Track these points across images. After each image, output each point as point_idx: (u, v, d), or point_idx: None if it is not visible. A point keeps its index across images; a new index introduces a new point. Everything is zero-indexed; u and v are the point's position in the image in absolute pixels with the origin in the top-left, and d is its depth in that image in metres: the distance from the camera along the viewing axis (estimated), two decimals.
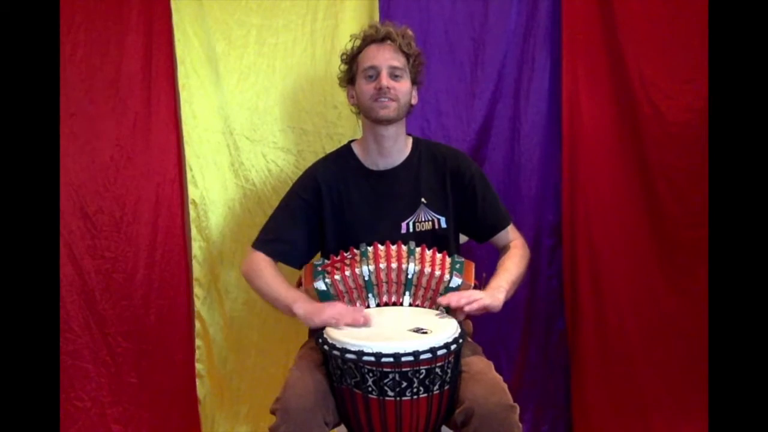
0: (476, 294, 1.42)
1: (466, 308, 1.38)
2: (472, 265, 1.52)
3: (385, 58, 1.56)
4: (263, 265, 1.54)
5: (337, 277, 1.48)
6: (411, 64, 1.60)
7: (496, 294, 1.43)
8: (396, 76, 1.56)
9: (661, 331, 1.92)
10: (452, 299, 1.40)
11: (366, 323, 1.37)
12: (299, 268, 1.61)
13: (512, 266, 1.54)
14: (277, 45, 1.91)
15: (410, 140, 1.66)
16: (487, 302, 1.40)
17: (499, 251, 1.64)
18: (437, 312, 1.45)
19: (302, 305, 1.44)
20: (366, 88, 1.56)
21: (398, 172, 1.61)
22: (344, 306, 1.42)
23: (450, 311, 1.45)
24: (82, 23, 1.80)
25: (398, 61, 1.57)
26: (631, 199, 1.91)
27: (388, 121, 1.56)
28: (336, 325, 1.37)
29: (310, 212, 1.59)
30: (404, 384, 1.27)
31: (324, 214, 1.59)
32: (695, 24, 1.74)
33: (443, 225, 1.59)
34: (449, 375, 1.32)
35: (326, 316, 1.38)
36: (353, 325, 1.36)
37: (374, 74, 1.56)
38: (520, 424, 1.31)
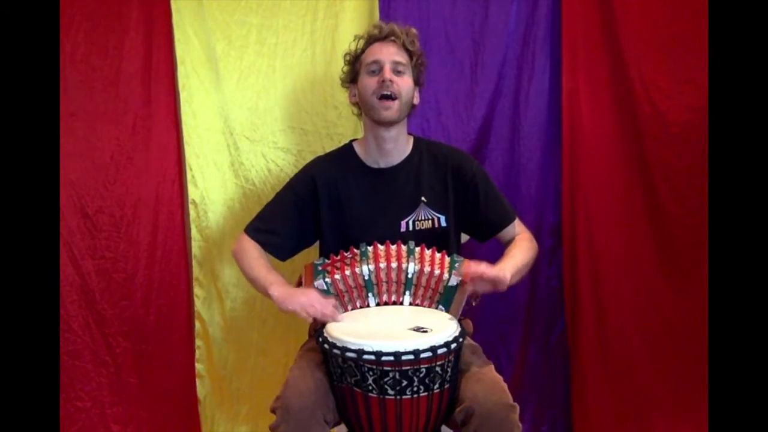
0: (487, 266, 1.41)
1: (487, 273, 1.37)
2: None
3: (389, 52, 1.56)
4: (250, 247, 1.58)
5: (337, 276, 1.48)
6: (414, 63, 1.60)
7: (503, 271, 1.41)
8: (399, 72, 1.56)
9: (661, 331, 1.92)
10: (470, 269, 1.40)
11: (334, 319, 1.39)
12: (284, 260, 1.63)
13: (518, 253, 1.54)
14: (277, 45, 1.91)
15: (411, 139, 1.66)
16: (499, 274, 1.38)
17: (505, 247, 1.63)
18: (437, 311, 1.45)
19: (277, 288, 1.45)
20: (368, 82, 1.56)
21: (399, 170, 1.61)
22: (317, 296, 1.42)
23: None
24: (82, 23, 1.79)
25: (402, 57, 1.57)
26: (631, 199, 1.91)
27: (390, 123, 1.56)
28: (306, 317, 1.38)
29: (302, 208, 1.60)
30: (404, 383, 1.27)
31: (321, 211, 1.59)
32: (695, 24, 1.74)
33: (443, 224, 1.59)
34: (449, 374, 1.33)
35: (297, 305, 1.39)
36: (322, 320, 1.38)
37: (377, 69, 1.56)
38: (520, 424, 1.31)
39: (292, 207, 1.61)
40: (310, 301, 1.40)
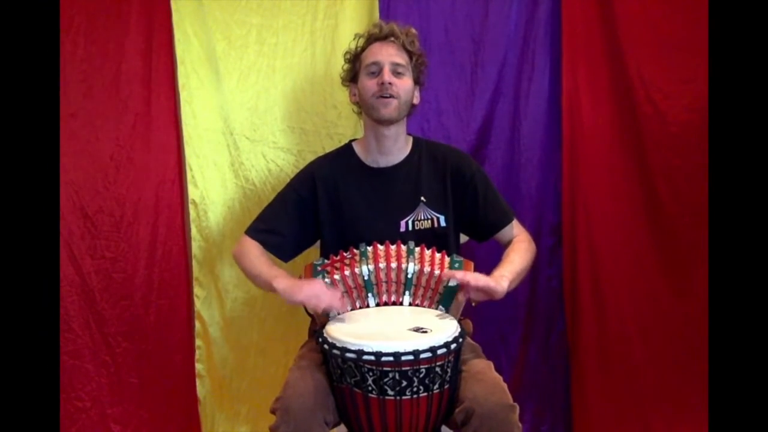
0: (481, 275, 1.41)
1: (473, 282, 1.37)
2: (471, 264, 1.52)
3: (388, 53, 1.57)
4: (251, 247, 1.57)
5: (336, 276, 1.48)
6: (414, 63, 1.60)
7: (499, 281, 1.42)
8: (398, 73, 1.56)
9: (661, 331, 1.91)
10: (457, 274, 1.40)
11: (343, 308, 1.39)
12: (287, 260, 1.62)
13: (516, 258, 1.53)
14: (277, 45, 1.91)
15: (411, 139, 1.66)
16: (492, 284, 1.39)
17: (504, 248, 1.63)
18: (437, 312, 1.45)
19: (282, 281, 1.43)
20: (368, 83, 1.57)
21: (398, 170, 1.62)
22: (322, 287, 1.39)
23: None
24: (82, 23, 1.79)
25: (401, 58, 1.57)
26: (631, 199, 1.91)
27: (390, 122, 1.56)
28: (315, 307, 1.37)
29: (303, 208, 1.60)
30: (404, 383, 1.27)
31: (320, 211, 1.60)
32: (695, 24, 1.74)
33: (442, 224, 1.59)
34: (449, 374, 1.33)
35: (304, 296, 1.37)
36: (330, 308, 1.37)
37: (377, 70, 1.56)
38: (520, 424, 1.31)
39: (293, 205, 1.61)
40: (315, 292, 1.37)
